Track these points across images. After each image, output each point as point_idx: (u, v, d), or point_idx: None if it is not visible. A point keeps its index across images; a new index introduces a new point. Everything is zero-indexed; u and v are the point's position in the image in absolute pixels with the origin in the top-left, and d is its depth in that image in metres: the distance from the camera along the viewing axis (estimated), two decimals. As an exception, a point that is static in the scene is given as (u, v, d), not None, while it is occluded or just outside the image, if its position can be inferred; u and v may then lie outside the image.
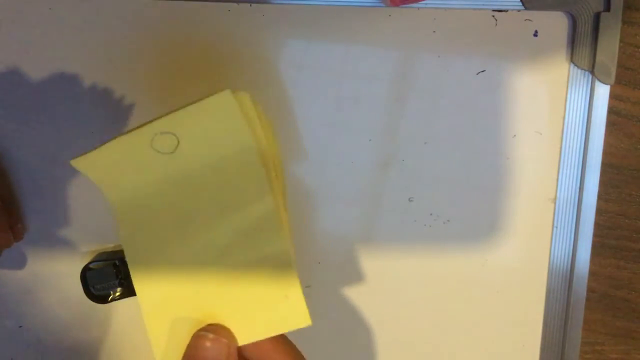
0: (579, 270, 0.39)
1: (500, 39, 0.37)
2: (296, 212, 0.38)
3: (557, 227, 0.39)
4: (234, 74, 0.37)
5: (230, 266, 0.28)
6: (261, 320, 0.28)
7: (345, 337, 0.40)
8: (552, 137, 0.38)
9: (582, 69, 0.37)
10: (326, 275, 0.39)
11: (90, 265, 0.36)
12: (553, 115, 0.38)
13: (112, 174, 0.27)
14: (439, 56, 0.37)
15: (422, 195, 0.39)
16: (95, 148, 0.26)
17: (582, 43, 0.37)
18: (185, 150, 0.27)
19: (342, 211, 0.39)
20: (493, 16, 0.37)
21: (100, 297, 0.37)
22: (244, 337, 0.28)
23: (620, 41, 0.37)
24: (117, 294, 0.37)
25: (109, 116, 0.37)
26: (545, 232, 0.39)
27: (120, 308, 0.39)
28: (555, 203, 0.39)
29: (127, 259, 0.28)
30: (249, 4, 0.36)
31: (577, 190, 0.39)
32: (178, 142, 0.26)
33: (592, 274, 0.40)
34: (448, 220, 0.39)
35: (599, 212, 0.40)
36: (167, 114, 0.27)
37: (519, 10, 0.37)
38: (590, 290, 0.41)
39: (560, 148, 0.38)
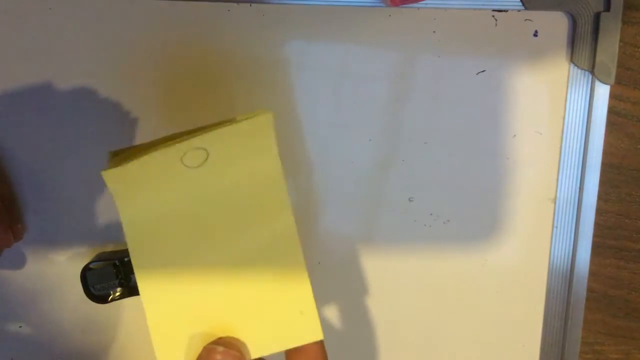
0: (579, 270, 0.39)
1: (500, 39, 0.37)
2: (296, 212, 0.38)
3: (557, 227, 0.39)
4: (233, 73, 0.37)
5: (245, 279, 0.28)
6: (274, 334, 0.28)
7: (345, 337, 0.40)
8: (552, 137, 0.38)
9: (582, 69, 0.37)
10: (326, 275, 0.39)
11: (90, 265, 0.36)
12: (553, 115, 0.38)
13: (135, 186, 0.27)
14: (439, 56, 0.37)
15: (422, 195, 0.39)
16: (128, 162, 0.26)
17: (582, 43, 0.37)
18: (212, 165, 0.27)
19: (342, 211, 0.39)
20: (493, 16, 0.37)
21: (100, 297, 0.37)
22: (255, 351, 0.28)
23: (620, 41, 0.37)
24: (117, 294, 0.37)
25: (109, 116, 0.37)
26: (545, 232, 0.39)
27: (121, 308, 0.39)
28: (555, 203, 0.39)
29: (135, 268, 0.28)
30: (249, 4, 0.36)
31: (577, 190, 0.39)
32: (207, 157, 0.27)
33: (592, 274, 0.40)
34: (448, 220, 0.39)
35: (599, 212, 0.40)
36: (202, 130, 0.28)
37: (519, 10, 0.37)
38: (590, 290, 0.41)
39: (560, 148, 0.38)
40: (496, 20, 0.37)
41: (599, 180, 0.39)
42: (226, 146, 0.27)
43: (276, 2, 0.37)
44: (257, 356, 0.28)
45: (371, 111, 0.38)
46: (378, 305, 0.40)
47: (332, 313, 0.40)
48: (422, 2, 0.35)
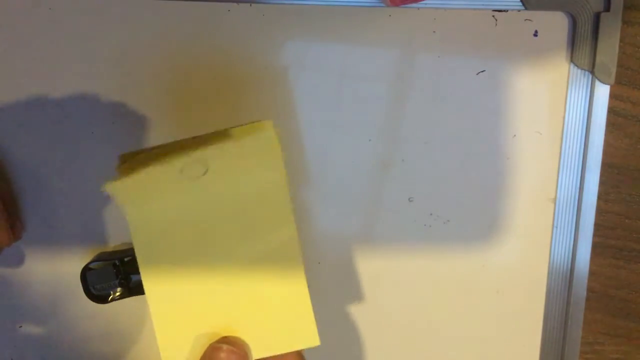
0: (579, 270, 0.39)
1: (500, 39, 0.37)
2: (296, 212, 0.38)
3: (557, 227, 0.39)
4: (233, 73, 0.37)
5: (247, 284, 0.29)
6: (273, 338, 0.29)
7: (345, 337, 0.40)
8: (552, 137, 0.38)
9: (582, 69, 0.37)
10: (326, 275, 0.39)
11: (90, 265, 0.36)
12: (553, 115, 0.38)
13: (139, 195, 0.28)
14: (439, 56, 0.37)
15: (422, 195, 0.39)
16: (128, 175, 0.27)
17: (582, 43, 0.37)
18: (213, 176, 0.28)
19: (342, 211, 0.39)
20: (493, 16, 0.37)
21: (100, 297, 0.37)
22: (257, 351, 0.29)
23: (620, 41, 0.37)
24: (117, 294, 0.37)
25: (109, 116, 0.37)
26: (545, 232, 0.39)
27: (121, 308, 0.39)
28: (555, 203, 0.39)
29: (141, 269, 0.29)
30: (249, 4, 0.36)
31: (577, 190, 0.39)
32: (207, 169, 0.27)
33: (592, 274, 0.40)
34: (448, 220, 0.39)
35: (599, 212, 0.40)
36: (208, 138, 0.28)
37: (519, 10, 0.37)
38: (590, 290, 0.41)
39: (560, 148, 0.38)
40: (496, 20, 0.37)
41: (599, 180, 0.39)
42: (228, 160, 0.27)
43: (276, 2, 0.37)
44: (257, 357, 0.29)
45: (371, 111, 0.38)
46: (378, 305, 0.40)
47: (332, 313, 0.40)
48: (422, 2, 0.35)
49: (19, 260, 0.38)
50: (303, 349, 0.30)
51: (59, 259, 0.38)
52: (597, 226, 0.40)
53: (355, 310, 0.40)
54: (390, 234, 0.39)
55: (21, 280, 0.39)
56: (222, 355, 0.27)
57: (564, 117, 0.38)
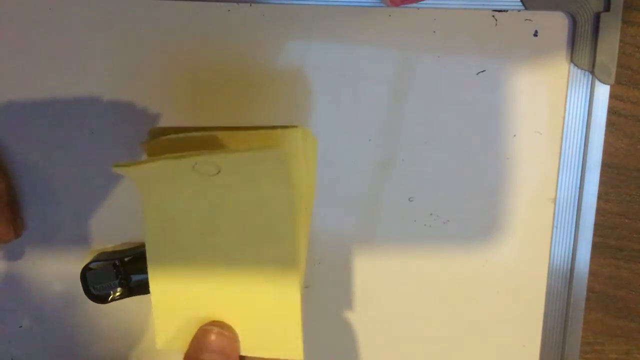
0: (579, 270, 0.39)
1: (500, 39, 0.37)
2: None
3: (557, 227, 0.39)
4: (233, 73, 0.37)
5: (244, 287, 0.29)
6: (261, 341, 0.30)
7: (344, 337, 0.40)
8: (552, 137, 0.38)
9: (582, 69, 0.37)
10: (326, 275, 0.39)
11: (90, 265, 0.36)
12: (553, 115, 0.38)
13: (150, 181, 0.29)
14: (439, 56, 0.37)
15: (422, 195, 0.39)
16: (138, 162, 0.27)
17: (582, 43, 0.37)
18: (224, 179, 0.28)
19: (342, 211, 0.39)
20: (493, 16, 0.37)
21: (100, 297, 0.37)
22: (243, 348, 0.29)
23: (620, 41, 0.37)
24: (117, 294, 0.37)
25: (109, 115, 0.37)
26: (545, 232, 0.39)
27: (121, 308, 0.39)
28: (555, 203, 0.39)
29: (148, 255, 0.29)
30: (249, 4, 0.36)
31: (577, 190, 0.39)
32: (220, 170, 0.27)
33: (592, 274, 0.40)
34: (448, 220, 0.39)
35: (599, 212, 0.40)
36: (223, 140, 0.29)
37: (519, 10, 0.37)
38: (590, 290, 0.41)
39: (560, 148, 0.38)
40: (496, 20, 0.37)
41: (599, 180, 0.39)
42: (239, 168, 0.28)
43: (276, 2, 0.37)
44: (244, 353, 0.29)
45: (371, 111, 0.38)
46: (378, 305, 0.40)
47: (332, 313, 0.40)
48: (422, 2, 0.35)
49: (19, 260, 0.38)
50: None
51: (59, 259, 0.38)
52: (597, 226, 0.40)
53: (355, 310, 0.40)
54: (390, 234, 0.39)
55: (21, 280, 0.39)
56: (212, 337, 0.28)
57: (564, 117, 0.38)
